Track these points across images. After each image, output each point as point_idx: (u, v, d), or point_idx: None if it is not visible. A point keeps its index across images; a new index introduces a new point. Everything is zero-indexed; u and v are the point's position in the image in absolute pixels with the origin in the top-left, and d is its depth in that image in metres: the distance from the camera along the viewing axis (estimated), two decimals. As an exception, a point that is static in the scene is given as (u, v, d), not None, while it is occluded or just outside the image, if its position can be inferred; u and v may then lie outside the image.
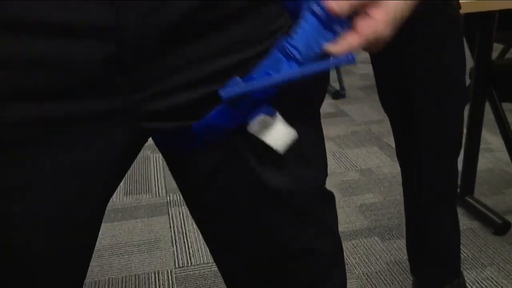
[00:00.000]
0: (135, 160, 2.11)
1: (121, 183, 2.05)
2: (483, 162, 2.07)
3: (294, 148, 0.54)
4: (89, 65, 0.45)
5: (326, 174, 0.62)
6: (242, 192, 0.56)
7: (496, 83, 1.63)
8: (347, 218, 1.74)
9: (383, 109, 1.13)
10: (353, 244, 1.60)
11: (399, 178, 1.22)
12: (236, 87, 0.48)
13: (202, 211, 0.61)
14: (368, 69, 1.38)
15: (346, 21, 0.52)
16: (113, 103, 0.48)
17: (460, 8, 1.04)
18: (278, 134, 0.52)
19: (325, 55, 0.51)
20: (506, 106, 1.65)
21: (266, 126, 0.50)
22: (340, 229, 1.67)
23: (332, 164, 2.13)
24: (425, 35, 0.98)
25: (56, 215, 0.51)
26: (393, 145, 1.18)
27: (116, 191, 2.14)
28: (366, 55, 1.05)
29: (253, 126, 0.51)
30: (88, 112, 0.48)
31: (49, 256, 0.53)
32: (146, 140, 0.55)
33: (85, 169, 0.50)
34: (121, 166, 0.54)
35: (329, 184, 2.04)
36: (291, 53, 0.50)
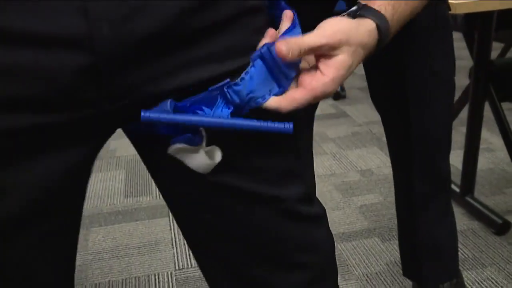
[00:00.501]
0: (135, 163, 2.11)
1: (121, 186, 2.05)
2: (484, 161, 2.07)
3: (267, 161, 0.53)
4: (63, 75, 0.45)
5: (305, 189, 0.60)
6: (203, 194, 0.57)
7: (495, 83, 1.62)
8: (347, 219, 1.74)
9: (375, 107, 1.13)
10: (353, 245, 1.60)
11: (398, 178, 1.22)
12: (157, 113, 0.48)
13: (172, 208, 0.62)
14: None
15: (294, 72, 0.52)
16: (87, 113, 0.48)
17: (449, 9, 1.05)
18: (198, 162, 0.52)
19: (263, 112, 0.50)
20: (506, 105, 1.64)
21: (187, 152, 0.50)
22: (340, 230, 1.68)
23: (332, 165, 2.13)
24: (418, 38, 0.98)
25: (31, 218, 0.50)
26: (392, 145, 1.18)
27: (116, 193, 2.13)
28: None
29: (172, 149, 0.51)
30: (61, 121, 0.48)
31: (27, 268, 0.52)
32: (113, 132, 0.56)
33: (58, 174, 0.50)
34: (88, 165, 0.55)
35: (330, 185, 2.02)
36: (231, 97, 0.49)
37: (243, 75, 0.49)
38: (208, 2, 0.49)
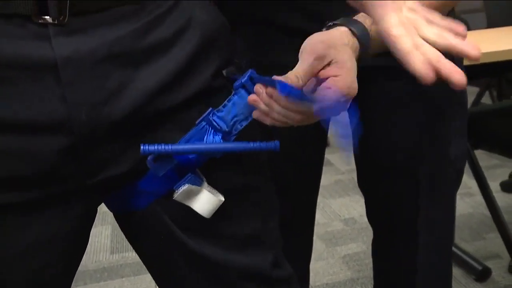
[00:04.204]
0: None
1: (107, 241, 2.05)
2: (463, 206, 2.11)
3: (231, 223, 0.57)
4: (46, 156, 0.50)
5: (273, 254, 0.62)
6: (169, 254, 0.60)
7: (468, 132, 1.68)
8: (331, 269, 1.76)
9: (364, 194, 0.97)
10: (337, 296, 1.62)
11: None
12: (156, 146, 0.51)
13: (144, 260, 0.66)
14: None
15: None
16: (68, 187, 0.53)
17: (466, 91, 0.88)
18: (204, 202, 0.54)
19: (252, 135, 0.55)
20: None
21: (191, 195, 0.53)
22: (324, 280, 1.70)
23: (316, 215, 2.16)
24: (435, 118, 0.83)
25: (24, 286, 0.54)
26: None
27: (102, 249, 2.13)
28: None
29: (178, 194, 0.54)
30: (45, 196, 0.52)
31: None
32: (98, 205, 0.59)
33: (45, 244, 0.54)
34: (79, 235, 0.58)
35: (314, 235, 2.04)
36: (218, 125, 0.53)
37: (226, 102, 0.54)
38: (178, 83, 0.54)
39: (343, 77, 0.55)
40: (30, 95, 0.48)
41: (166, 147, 0.51)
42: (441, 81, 0.79)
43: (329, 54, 0.56)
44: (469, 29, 1.93)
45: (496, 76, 2.28)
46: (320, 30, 0.76)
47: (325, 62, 0.56)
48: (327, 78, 0.55)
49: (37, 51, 0.48)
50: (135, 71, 0.51)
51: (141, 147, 0.51)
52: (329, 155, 2.88)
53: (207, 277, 0.60)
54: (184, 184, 0.53)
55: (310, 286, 1.65)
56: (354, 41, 0.59)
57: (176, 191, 0.54)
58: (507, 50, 1.42)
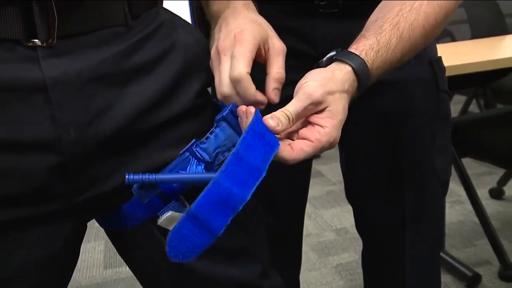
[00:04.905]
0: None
1: (101, 257, 2.05)
2: (454, 214, 2.14)
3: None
4: (36, 175, 0.51)
5: (260, 265, 0.63)
6: (158, 267, 0.61)
7: (455, 140, 1.71)
8: (324, 279, 1.77)
9: (353, 206, 0.99)
10: (330, 306, 1.63)
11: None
12: (140, 175, 0.52)
13: (136, 274, 0.66)
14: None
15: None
16: (57, 205, 0.54)
17: (450, 97, 0.89)
18: None
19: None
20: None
21: (174, 221, 0.53)
22: (317, 291, 1.71)
23: (308, 225, 2.17)
24: (419, 130, 0.84)
25: None
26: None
27: (96, 264, 2.12)
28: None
29: (162, 220, 0.55)
30: (35, 214, 0.53)
31: None
32: (88, 221, 0.61)
33: (36, 263, 0.55)
34: (70, 253, 0.59)
35: (306, 246, 2.05)
36: (201, 155, 0.55)
37: (208, 134, 0.55)
38: (163, 102, 0.56)
39: (329, 131, 0.53)
40: (20, 115, 0.49)
41: (150, 177, 0.52)
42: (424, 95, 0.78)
43: (325, 101, 0.53)
44: (454, 40, 1.97)
45: (482, 85, 2.32)
46: (306, 45, 0.78)
47: (320, 108, 0.54)
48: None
49: (27, 73, 0.49)
50: (120, 91, 0.53)
51: (126, 177, 0.52)
52: (320, 166, 2.90)
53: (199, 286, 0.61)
54: (167, 210, 0.54)
55: (303, 297, 1.67)
56: (355, 84, 0.57)
57: (160, 217, 0.55)
58: (491, 60, 1.45)
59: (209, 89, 0.64)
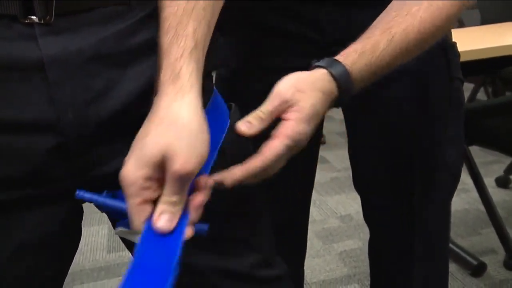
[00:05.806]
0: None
1: (104, 240, 2.06)
2: (459, 202, 2.12)
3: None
4: (35, 156, 0.50)
5: (262, 255, 0.62)
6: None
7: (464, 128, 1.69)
8: (328, 266, 1.77)
9: (360, 194, 0.98)
10: (333, 293, 1.62)
11: (371, 226, 1.25)
12: (91, 194, 0.51)
13: None
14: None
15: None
16: (56, 187, 0.53)
17: (462, 82, 0.87)
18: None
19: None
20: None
21: (127, 234, 0.53)
22: (321, 277, 1.70)
23: (312, 212, 2.16)
24: (430, 121, 0.82)
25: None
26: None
27: (99, 248, 2.12)
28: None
29: (117, 231, 0.54)
30: (34, 195, 0.52)
31: None
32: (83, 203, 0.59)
33: (35, 244, 0.54)
34: (68, 234, 0.58)
35: (310, 233, 2.05)
36: None
37: None
38: None
39: (293, 124, 0.53)
40: (18, 95, 0.48)
41: (99, 199, 0.51)
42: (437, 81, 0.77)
43: (293, 98, 0.55)
44: (463, 26, 1.94)
45: (491, 72, 2.29)
46: (312, 32, 0.77)
47: (289, 105, 0.55)
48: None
49: (24, 51, 0.48)
50: (122, 71, 0.52)
51: (77, 192, 0.50)
52: (325, 153, 2.89)
53: (191, 281, 0.59)
54: (119, 225, 0.54)
55: (307, 283, 1.66)
56: (331, 86, 0.57)
57: (116, 229, 0.54)
58: (501, 46, 1.43)
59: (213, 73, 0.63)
